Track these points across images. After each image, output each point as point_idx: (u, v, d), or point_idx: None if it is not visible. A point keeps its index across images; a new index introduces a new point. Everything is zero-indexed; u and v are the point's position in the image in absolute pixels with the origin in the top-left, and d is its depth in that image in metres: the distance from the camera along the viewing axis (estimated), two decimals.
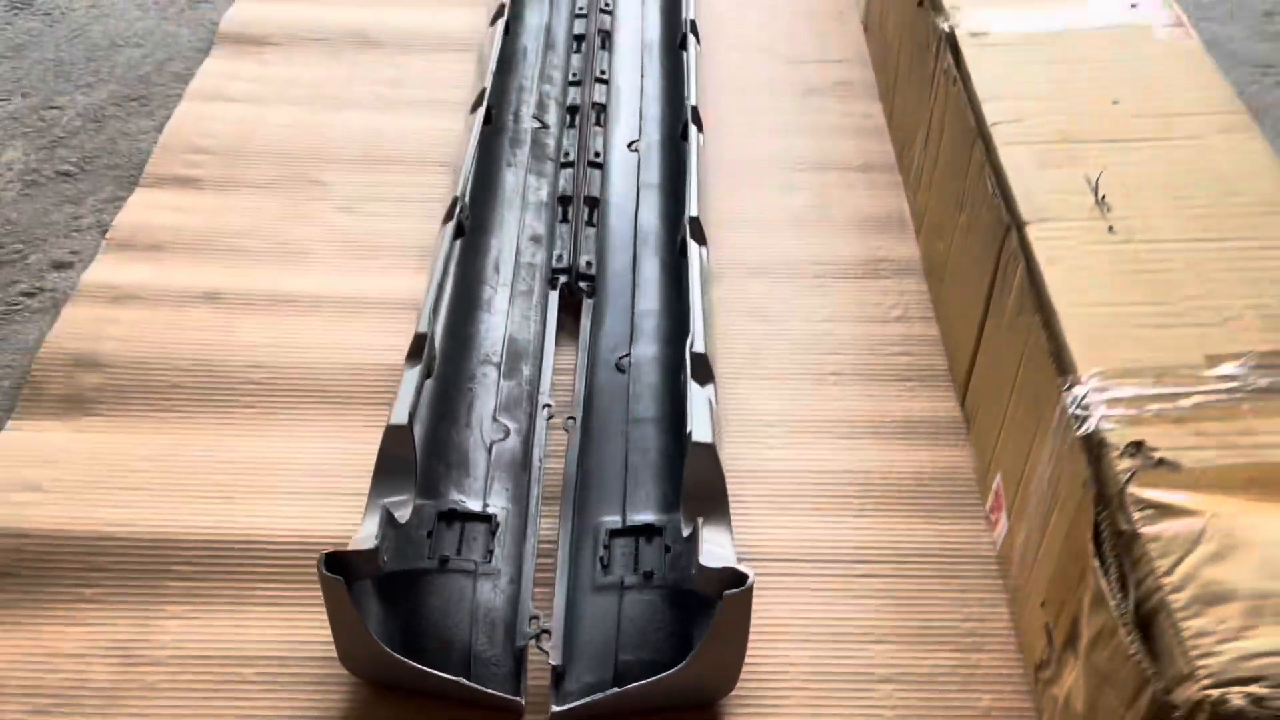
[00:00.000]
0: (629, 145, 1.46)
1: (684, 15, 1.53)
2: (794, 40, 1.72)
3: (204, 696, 0.91)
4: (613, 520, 1.03)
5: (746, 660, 0.90)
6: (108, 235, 1.35)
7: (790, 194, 1.43)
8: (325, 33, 1.70)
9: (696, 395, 0.99)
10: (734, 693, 0.92)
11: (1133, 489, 0.76)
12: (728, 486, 0.95)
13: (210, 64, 1.64)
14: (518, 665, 0.93)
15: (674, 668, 0.87)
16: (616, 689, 0.89)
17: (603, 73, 1.55)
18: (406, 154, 1.48)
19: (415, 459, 0.97)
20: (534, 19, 1.69)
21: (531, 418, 1.13)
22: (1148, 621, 0.71)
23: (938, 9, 1.25)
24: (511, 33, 1.59)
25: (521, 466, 1.08)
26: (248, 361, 1.18)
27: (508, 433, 1.11)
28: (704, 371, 1.02)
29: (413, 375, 1.00)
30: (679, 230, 1.21)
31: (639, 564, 0.99)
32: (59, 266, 1.32)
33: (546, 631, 0.95)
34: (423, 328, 1.04)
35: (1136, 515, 0.74)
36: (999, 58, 1.17)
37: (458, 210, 1.19)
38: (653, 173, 1.41)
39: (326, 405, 1.15)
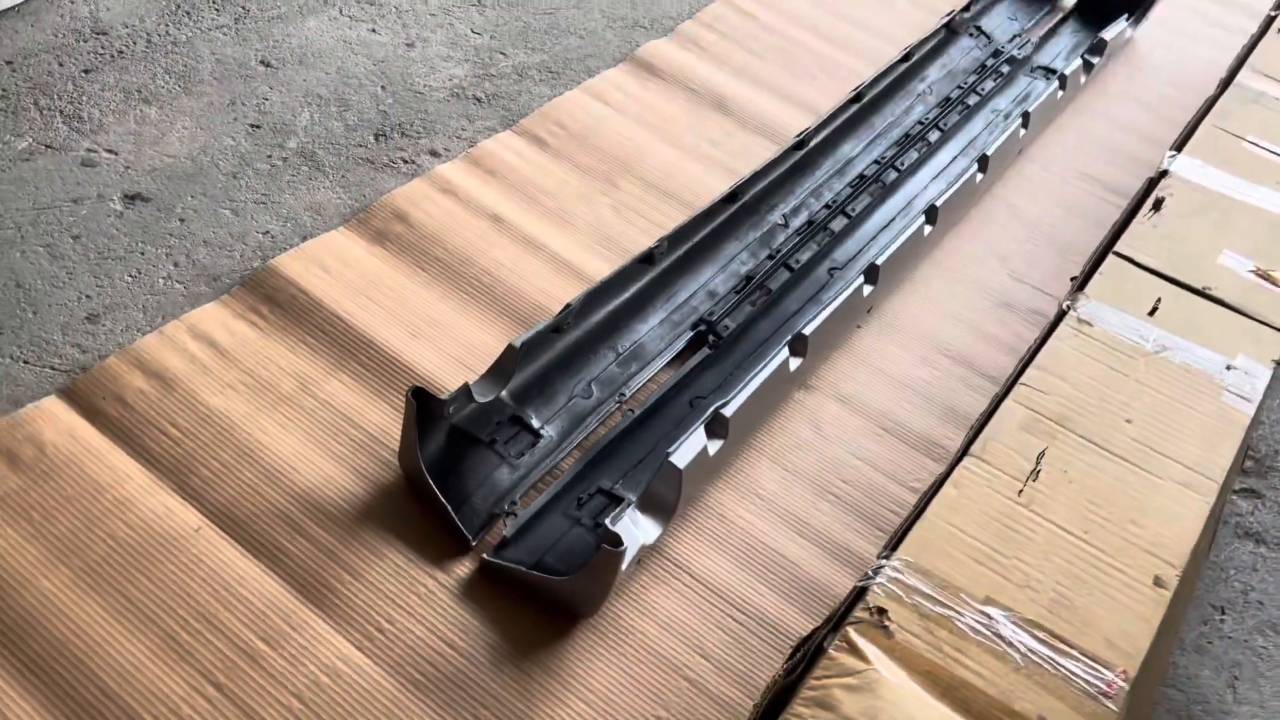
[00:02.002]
0: (829, 270, 1.83)
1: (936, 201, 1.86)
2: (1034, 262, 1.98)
3: (312, 426, 1.45)
4: (606, 484, 1.45)
5: (613, 605, 1.30)
6: (471, 150, 1.94)
7: (923, 368, 1.73)
8: (699, 86, 2.20)
9: (696, 436, 1.39)
10: (593, 619, 1.32)
11: (849, 627, 1.07)
12: (699, 515, 1.34)
13: (612, 72, 2.20)
14: (487, 523, 1.39)
15: (562, 579, 1.29)
16: (526, 570, 1.33)
17: (855, 211, 1.93)
18: (679, 191, 1.94)
19: (512, 372, 1.44)
20: (845, 146, 2.09)
21: (611, 397, 1.56)
22: (778, 701, 1.03)
23: (1073, 293, 1.51)
24: (811, 147, 2.00)
25: (581, 420, 1.53)
26: (487, 266, 1.72)
27: (590, 395, 1.55)
28: (718, 428, 1.41)
29: (543, 323, 1.48)
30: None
31: (598, 516, 1.40)
32: (433, 153, 1.93)
33: (514, 515, 1.40)
34: (573, 301, 1.51)
35: (837, 640, 1.06)
36: (1078, 346, 1.41)
37: (656, 244, 1.65)
38: (830, 294, 1.77)
39: (506, 316, 1.65)
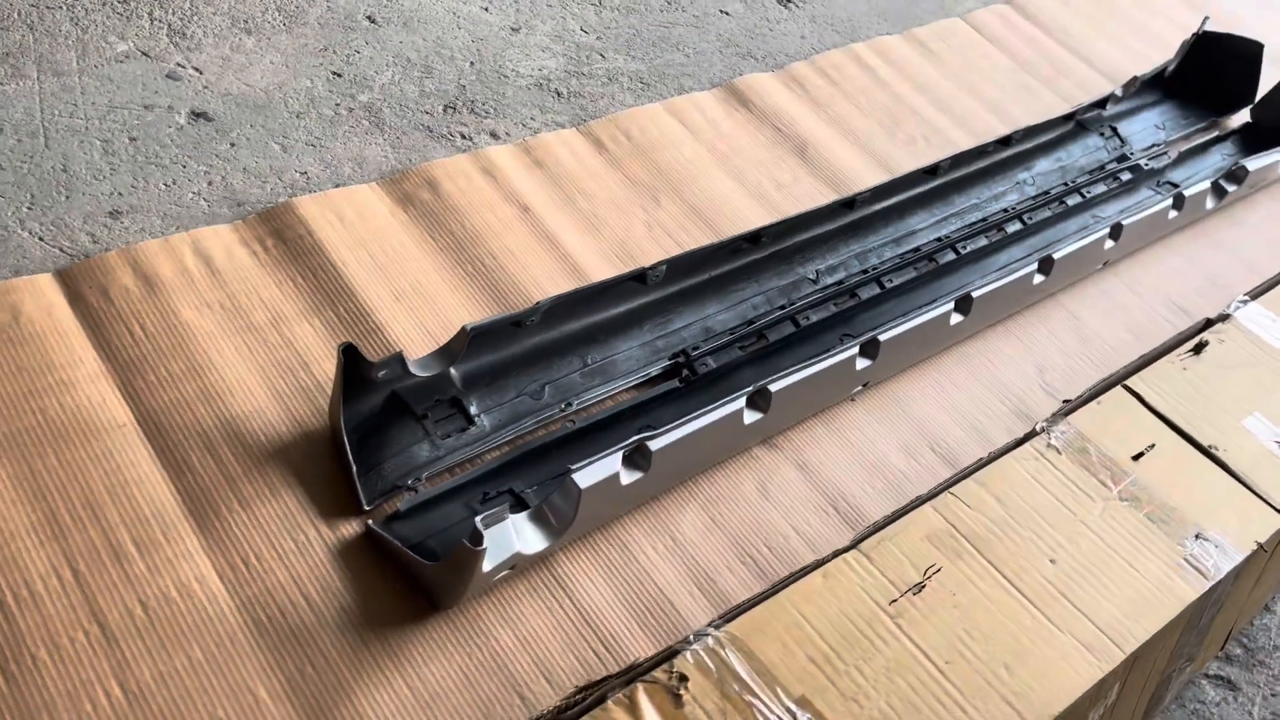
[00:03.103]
0: (841, 335, 1.75)
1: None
2: None
3: (266, 360, 1.50)
4: (519, 486, 1.43)
5: (478, 606, 1.29)
6: (528, 139, 1.96)
7: (902, 456, 1.63)
8: (786, 126, 2.15)
9: (611, 461, 1.35)
10: (454, 614, 1.31)
11: (640, 683, 1.01)
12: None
13: (702, 95, 2.17)
14: (388, 492, 1.40)
15: (424, 564, 1.28)
16: (401, 547, 1.33)
17: (891, 284, 1.84)
18: (720, 222, 1.90)
19: (457, 353, 1.45)
20: (914, 218, 1.99)
21: (560, 403, 1.54)
22: None
23: (1057, 415, 1.38)
24: (872, 210, 1.92)
25: (520, 419, 1.51)
26: (495, 250, 1.73)
27: (540, 397, 1.54)
28: (639, 459, 1.37)
29: (502, 314, 1.48)
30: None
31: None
32: (493, 135, 1.97)
33: (415, 491, 1.40)
34: (541, 300, 1.50)
35: (621, 694, 1.01)
36: (1033, 471, 1.30)
37: (652, 266, 1.62)
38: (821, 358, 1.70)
39: (495, 303, 1.66)
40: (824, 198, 2.03)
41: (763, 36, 2.38)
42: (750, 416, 1.48)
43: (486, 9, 2.23)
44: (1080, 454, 1.27)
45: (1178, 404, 1.37)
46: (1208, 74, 2.53)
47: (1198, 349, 1.47)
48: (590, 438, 1.52)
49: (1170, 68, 2.50)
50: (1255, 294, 1.62)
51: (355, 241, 1.68)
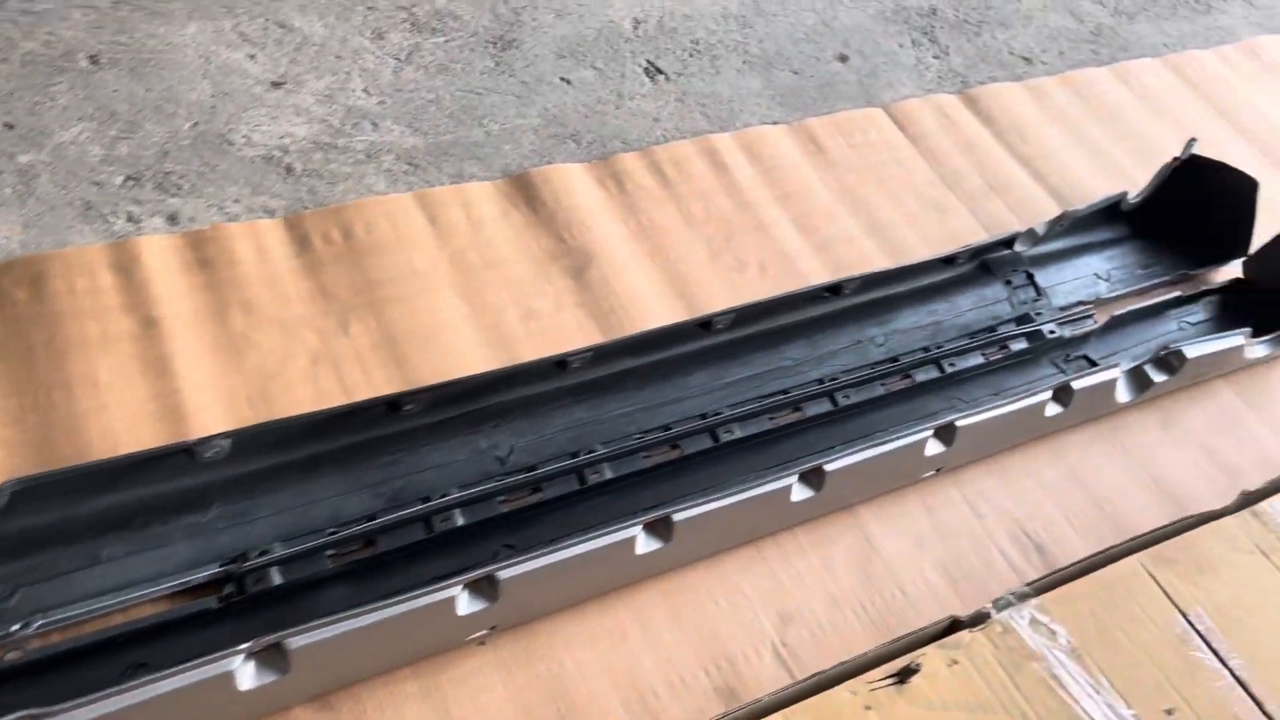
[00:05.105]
0: (500, 548, 1.30)
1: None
2: None
3: None
4: None
5: None
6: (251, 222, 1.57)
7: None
8: (577, 236, 1.70)
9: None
10: None
11: None
12: None
13: (478, 186, 1.74)
14: None
15: None
16: None
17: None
18: (417, 358, 1.48)
19: None
20: (677, 386, 1.52)
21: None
22: None
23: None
24: (601, 369, 1.46)
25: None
26: (80, 377, 1.35)
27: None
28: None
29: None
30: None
31: None
32: (171, 218, 1.59)
33: None
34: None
35: None
36: None
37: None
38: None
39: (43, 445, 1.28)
40: (585, 336, 1.57)
41: (603, 115, 1.93)
42: (260, 680, 1.05)
43: (252, 56, 1.85)
44: None
45: None
46: (1191, 212, 1.95)
47: (903, 677, 0.97)
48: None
49: (1136, 199, 1.93)
50: (1047, 584, 1.10)
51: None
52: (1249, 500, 1.35)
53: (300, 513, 1.27)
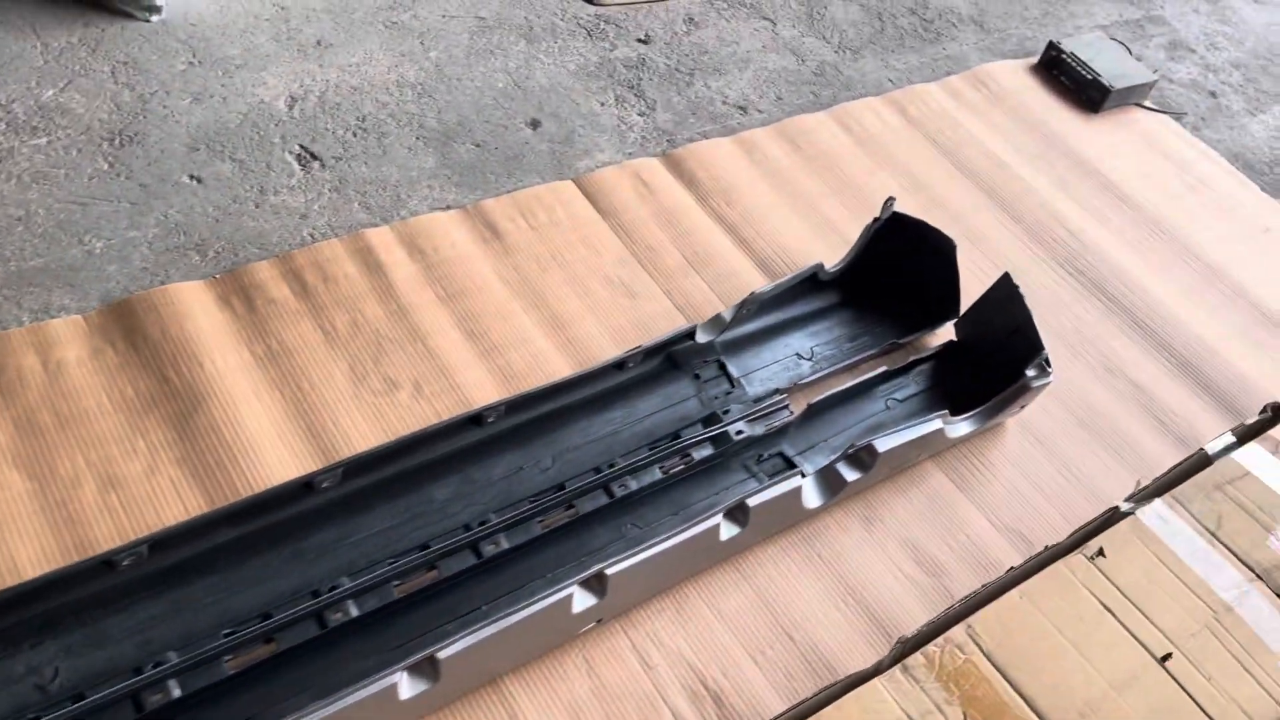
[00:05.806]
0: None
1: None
2: None
3: None
4: None
5: None
6: None
7: None
8: (181, 376, 1.45)
9: None
10: None
11: None
12: None
13: (155, 295, 1.47)
14: None
15: None
16: None
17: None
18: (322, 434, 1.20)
19: None
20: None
21: None
22: None
23: None
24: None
25: None
26: None
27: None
28: None
29: None
30: None
31: None
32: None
33: None
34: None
35: None
36: None
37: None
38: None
39: None
40: (181, 503, 1.33)
41: (239, 217, 1.68)
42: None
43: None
44: None
45: None
46: (899, 273, 1.83)
47: None
48: None
49: (836, 268, 1.80)
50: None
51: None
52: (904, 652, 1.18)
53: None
